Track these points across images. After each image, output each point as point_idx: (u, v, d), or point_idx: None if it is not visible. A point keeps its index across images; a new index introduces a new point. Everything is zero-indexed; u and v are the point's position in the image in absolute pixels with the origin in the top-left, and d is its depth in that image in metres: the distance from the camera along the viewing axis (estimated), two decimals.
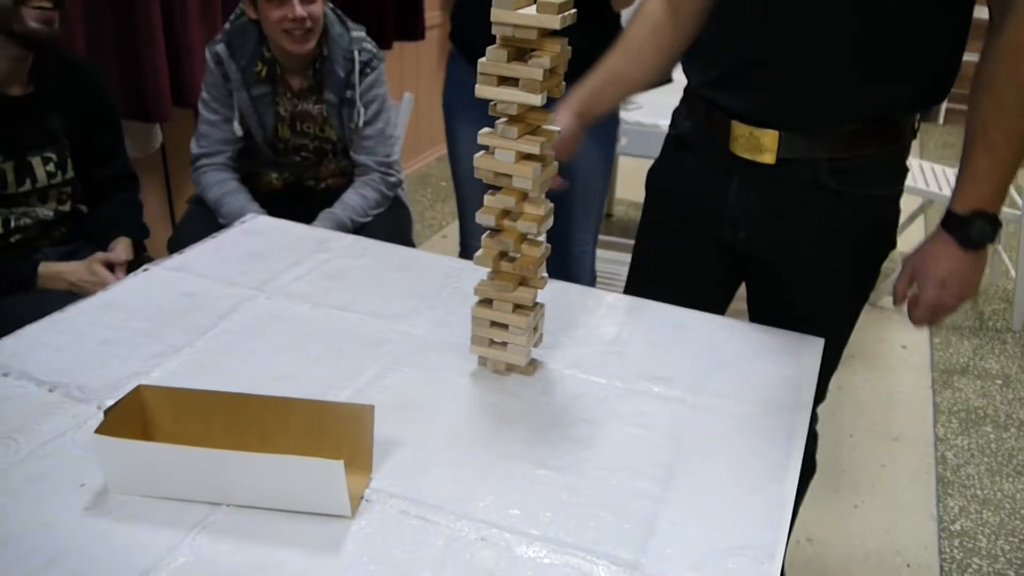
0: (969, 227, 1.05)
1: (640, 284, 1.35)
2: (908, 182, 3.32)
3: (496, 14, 0.83)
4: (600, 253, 2.52)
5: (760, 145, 1.13)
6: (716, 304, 1.33)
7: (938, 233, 1.09)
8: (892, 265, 3.36)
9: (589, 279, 1.93)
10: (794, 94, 1.10)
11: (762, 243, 1.21)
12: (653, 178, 1.34)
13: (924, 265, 1.11)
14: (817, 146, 1.11)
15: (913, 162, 3.25)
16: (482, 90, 0.87)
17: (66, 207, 1.70)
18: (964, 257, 1.07)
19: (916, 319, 1.14)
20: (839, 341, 1.26)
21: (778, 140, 1.12)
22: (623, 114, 2.18)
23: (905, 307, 1.16)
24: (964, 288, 1.09)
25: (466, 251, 2.00)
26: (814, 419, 1.29)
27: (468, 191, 1.93)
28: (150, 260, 1.30)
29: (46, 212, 1.67)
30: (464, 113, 1.84)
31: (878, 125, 1.11)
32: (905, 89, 1.08)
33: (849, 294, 1.22)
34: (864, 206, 1.15)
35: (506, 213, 0.95)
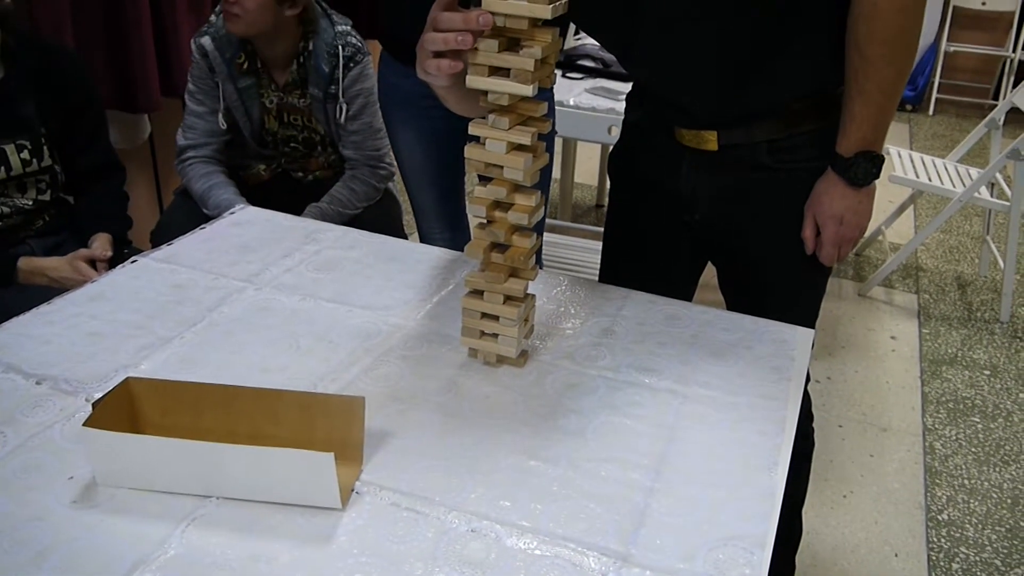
0: (854, 167, 1.14)
1: (612, 263, 1.44)
2: (897, 172, 3.35)
3: (488, 3, 0.83)
4: (555, 238, 2.54)
5: (703, 138, 1.21)
6: (685, 281, 1.41)
7: (828, 176, 1.17)
8: (880, 256, 3.38)
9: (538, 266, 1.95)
10: (701, 102, 1.18)
11: (716, 224, 1.28)
12: (614, 161, 1.40)
13: (820, 207, 1.19)
14: (756, 131, 1.18)
15: (903, 152, 3.26)
16: (473, 80, 0.86)
17: (46, 196, 1.68)
18: (854, 195, 1.16)
19: (825, 257, 1.22)
20: (809, 311, 1.32)
21: (717, 133, 1.19)
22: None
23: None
24: (860, 220, 1.19)
25: None
26: (806, 399, 1.32)
27: (416, 191, 1.93)
28: (137, 252, 1.28)
29: (25, 201, 1.65)
30: (399, 114, 1.85)
31: (810, 103, 1.16)
32: (807, 72, 1.15)
33: (807, 265, 1.26)
34: (798, 180, 1.21)
35: (497, 204, 0.95)
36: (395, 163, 2.02)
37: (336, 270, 1.25)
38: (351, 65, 1.88)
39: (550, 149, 1.87)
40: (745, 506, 0.82)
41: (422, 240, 2.01)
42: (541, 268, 1.34)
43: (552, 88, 1.86)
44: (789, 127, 1.17)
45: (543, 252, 2.14)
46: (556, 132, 1.90)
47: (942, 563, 1.87)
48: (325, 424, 0.84)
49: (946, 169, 3.18)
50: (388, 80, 1.84)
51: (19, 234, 1.67)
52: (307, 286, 1.20)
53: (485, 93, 0.87)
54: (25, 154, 1.60)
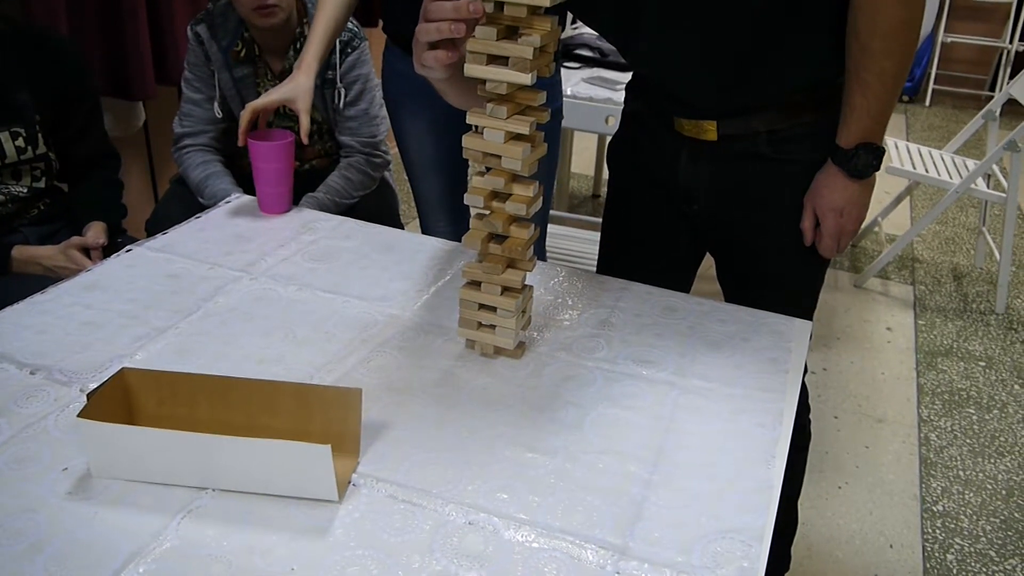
0: (855, 159, 1.13)
1: (610, 253, 1.43)
2: (894, 163, 3.34)
3: None
4: (552, 229, 2.54)
5: (702, 128, 1.20)
6: (683, 271, 1.41)
7: (828, 168, 1.17)
8: (877, 247, 3.38)
9: (541, 258, 1.94)
10: (701, 92, 1.17)
11: (715, 215, 1.28)
12: (613, 151, 1.39)
13: (820, 199, 1.18)
14: (756, 121, 1.17)
15: (899, 143, 3.25)
16: (471, 69, 0.86)
17: (41, 184, 1.67)
18: (854, 187, 1.16)
19: (824, 249, 1.22)
20: (807, 302, 1.32)
21: (717, 123, 1.19)
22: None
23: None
24: (860, 212, 1.19)
25: None
26: (803, 391, 1.32)
27: (420, 183, 1.92)
28: (132, 240, 1.28)
29: (20, 189, 1.64)
30: (407, 104, 1.82)
31: (810, 94, 1.16)
32: (808, 64, 1.14)
33: (805, 256, 1.26)
34: (797, 171, 1.20)
35: (495, 194, 0.94)
36: (391, 151, 2.01)
37: (332, 260, 1.24)
38: (348, 50, 1.86)
39: (556, 137, 1.85)
40: (743, 498, 0.82)
41: (425, 233, 1.99)
42: (544, 261, 1.33)
43: (560, 76, 1.85)
44: (789, 118, 1.16)
45: (547, 245, 2.13)
46: (563, 118, 1.88)
47: (937, 554, 1.87)
48: (322, 416, 0.84)
49: (943, 160, 3.18)
50: (396, 70, 1.81)
51: (13, 222, 1.66)
52: (303, 276, 1.19)
53: (483, 82, 0.87)
54: (20, 142, 1.60)
